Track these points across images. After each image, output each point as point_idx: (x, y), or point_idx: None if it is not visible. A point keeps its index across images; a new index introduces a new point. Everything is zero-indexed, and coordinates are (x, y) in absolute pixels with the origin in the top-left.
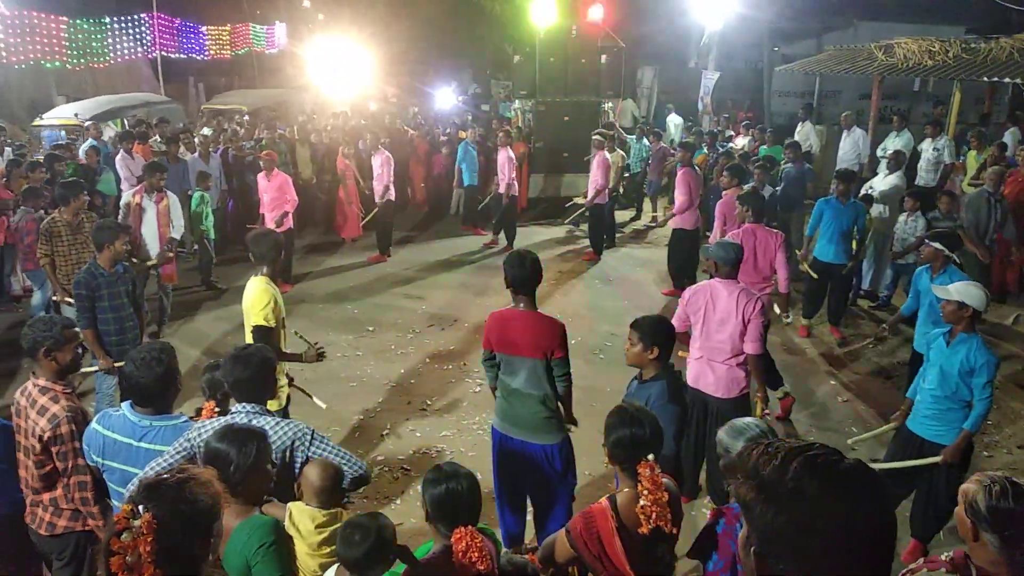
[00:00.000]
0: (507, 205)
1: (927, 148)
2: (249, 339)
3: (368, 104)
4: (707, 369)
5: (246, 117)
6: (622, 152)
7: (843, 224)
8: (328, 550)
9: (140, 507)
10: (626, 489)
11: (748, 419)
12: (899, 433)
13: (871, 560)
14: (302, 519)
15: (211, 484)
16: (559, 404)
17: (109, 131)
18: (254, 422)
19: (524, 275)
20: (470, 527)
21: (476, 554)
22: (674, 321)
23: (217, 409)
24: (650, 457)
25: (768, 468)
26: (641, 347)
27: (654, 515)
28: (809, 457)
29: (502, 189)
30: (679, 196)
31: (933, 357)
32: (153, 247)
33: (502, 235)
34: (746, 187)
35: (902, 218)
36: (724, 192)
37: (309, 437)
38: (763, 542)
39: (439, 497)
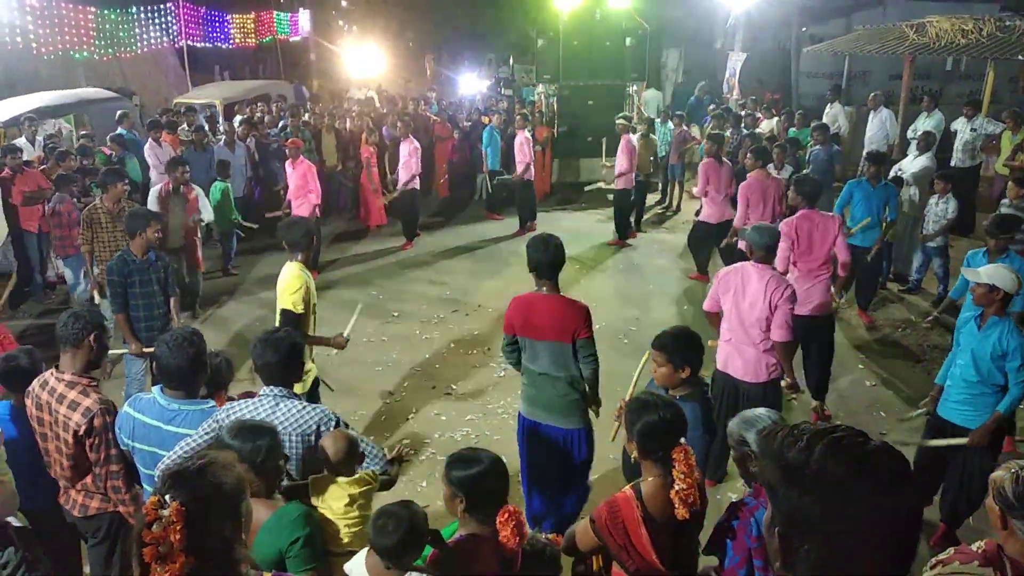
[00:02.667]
0: (523, 187)
1: (963, 129)
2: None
3: (386, 91)
4: (735, 353)
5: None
6: (654, 137)
7: (873, 206)
8: (355, 514)
9: (167, 496)
10: (651, 478)
11: (760, 410)
12: (929, 422)
13: (896, 542)
14: (333, 496)
15: (233, 466)
16: (585, 388)
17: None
18: (280, 405)
19: (547, 259)
20: (514, 508)
21: (516, 536)
22: (706, 303)
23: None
24: (682, 441)
25: (793, 450)
26: (671, 368)
27: (692, 498)
28: (834, 439)
29: (520, 171)
30: (698, 187)
31: (964, 341)
32: (178, 238)
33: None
34: (780, 171)
35: (932, 200)
36: (748, 174)
37: (334, 423)
38: (787, 524)
39: (471, 481)
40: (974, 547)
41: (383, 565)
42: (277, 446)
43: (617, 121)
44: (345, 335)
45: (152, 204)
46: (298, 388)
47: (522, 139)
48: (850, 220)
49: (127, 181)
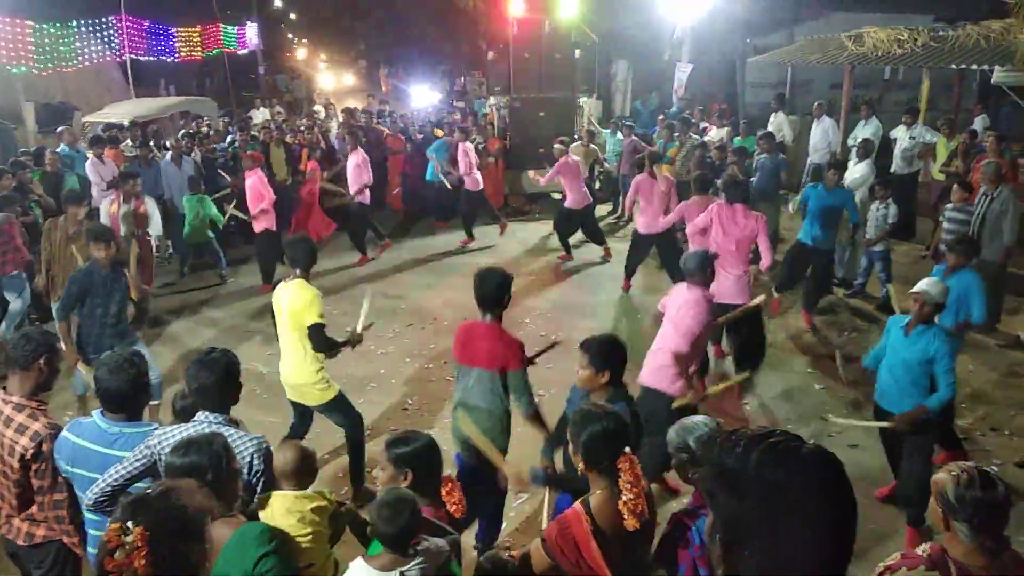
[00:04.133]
0: (467, 198)
1: (903, 136)
2: (294, 341)
3: (354, 107)
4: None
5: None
6: (594, 147)
7: (827, 209)
8: (306, 531)
9: (129, 523)
10: (598, 491)
11: (697, 418)
12: (875, 413)
13: (835, 542)
14: (280, 511)
15: (195, 491)
16: (506, 424)
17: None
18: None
19: (485, 293)
20: (452, 477)
21: (462, 507)
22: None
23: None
24: (626, 450)
25: (731, 457)
26: (592, 371)
27: (640, 508)
28: (770, 444)
29: (466, 183)
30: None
31: (893, 344)
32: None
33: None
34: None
35: (873, 206)
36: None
37: (268, 453)
38: (728, 530)
39: (421, 453)
40: (919, 550)
41: (389, 555)
42: (227, 457)
43: (554, 146)
44: (358, 330)
45: (104, 219)
46: (326, 396)
47: (461, 151)
48: (806, 224)
49: (88, 204)
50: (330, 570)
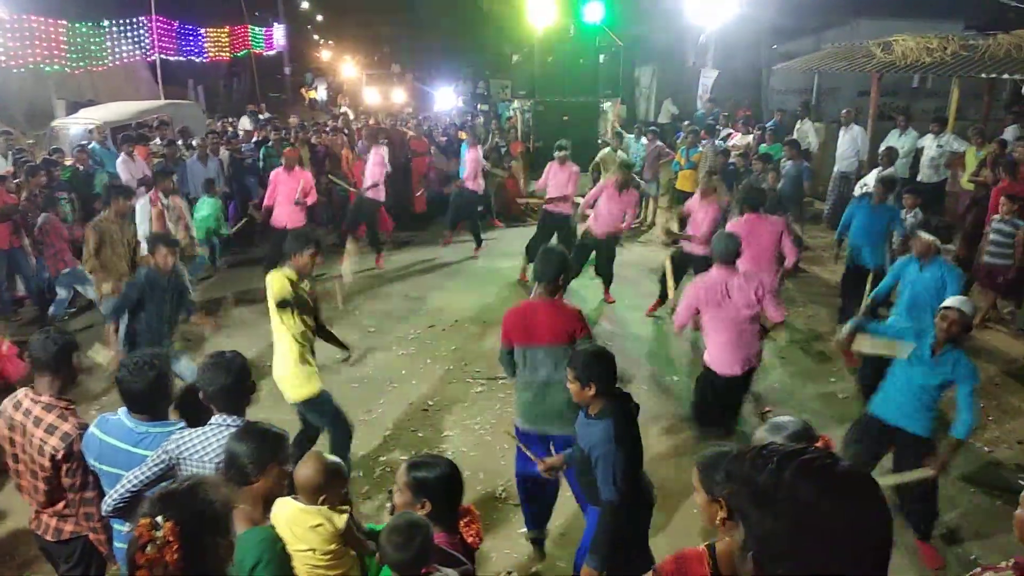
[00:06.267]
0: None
1: (930, 145)
2: (276, 330)
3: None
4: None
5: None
6: (621, 153)
7: (874, 226)
8: (302, 547)
9: (159, 518)
10: (728, 539)
11: (786, 417)
12: (861, 420)
13: (869, 561)
14: (280, 514)
15: (219, 486)
16: None
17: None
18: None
19: (545, 270)
20: (472, 507)
21: (479, 538)
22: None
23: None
24: None
25: (763, 474)
26: (578, 385)
27: None
28: (804, 461)
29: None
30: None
31: (910, 366)
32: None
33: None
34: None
35: (901, 215)
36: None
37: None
38: (760, 548)
39: (442, 482)
40: (1003, 564)
41: None
42: (285, 448)
43: (555, 154)
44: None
45: (141, 217)
46: (301, 392)
47: (473, 155)
48: (851, 243)
49: (132, 197)
50: None
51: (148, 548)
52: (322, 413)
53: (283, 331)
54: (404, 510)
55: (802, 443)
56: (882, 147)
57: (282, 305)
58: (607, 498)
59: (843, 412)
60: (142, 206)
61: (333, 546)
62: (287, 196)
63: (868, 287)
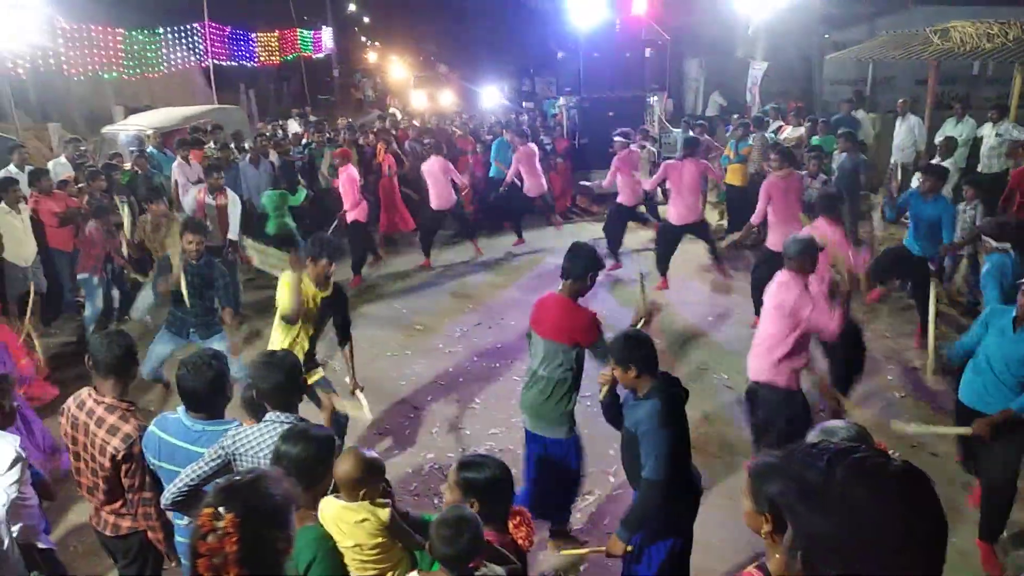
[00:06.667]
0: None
1: (989, 133)
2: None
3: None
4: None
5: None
6: (652, 149)
7: (925, 221)
8: (349, 543)
9: (221, 508)
10: (779, 556)
11: (838, 421)
12: (957, 413)
13: (922, 563)
14: (326, 512)
15: (282, 480)
16: (571, 401)
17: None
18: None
19: (573, 266)
20: (523, 509)
21: (529, 540)
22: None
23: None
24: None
25: (813, 471)
26: (621, 369)
27: None
28: (856, 460)
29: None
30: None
31: (993, 341)
32: (217, 238)
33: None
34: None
35: (960, 207)
36: (771, 174)
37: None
38: (809, 547)
39: (491, 482)
40: None
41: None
42: (327, 455)
43: (615, 139)
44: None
45: (188, 210)
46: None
47: (526, 151)
48: (909, 230)
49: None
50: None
51: (209, 537)
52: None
53: (279, 333)
54: (453, 504)
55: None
56: (938, 136)
57: (289, 321)
58: (647, 476)
59: (899, 411)
60: (190, 198)
61: (379, 540)
62: (344, 192)
63: (932, 293)
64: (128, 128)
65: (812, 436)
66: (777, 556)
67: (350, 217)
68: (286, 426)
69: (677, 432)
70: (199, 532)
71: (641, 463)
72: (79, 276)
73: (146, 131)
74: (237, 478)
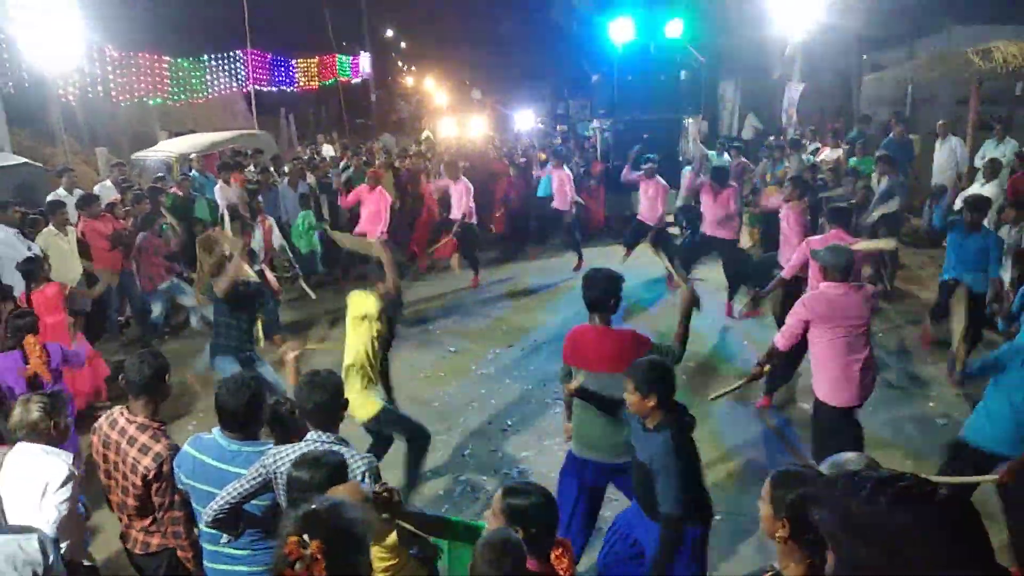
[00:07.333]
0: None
1: None
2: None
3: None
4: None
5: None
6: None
7: (967, 256)
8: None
9: (305, 536)
10: (792, 564)
11: (850, 454)
12: (954, 452)
13: None
14: None
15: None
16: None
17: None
18: None
19: (593, 295)
20: (566, 541)
21: (570, 572)
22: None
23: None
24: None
25: (856, 500)
26: (638, 396)
27: None
28: (901, 488)
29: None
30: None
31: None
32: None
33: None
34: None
35: (1004, 230)
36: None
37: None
38: (853, 574)
39: (536, 510)
40: None
41: None
42: (343, 475)
43: (642, 166)
44: None
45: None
46: (370, 411)
47: (561, 175)
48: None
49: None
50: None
51: (297, 565)
52: (390, 427)
53: (354, 350)
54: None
55: None
56: (979, 158)
57: (381, 312)
58: (667, 511)
59: (940, 439)
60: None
61: (390, 562)
62: (369, 213)
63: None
64: (157, 154)
65: (823, 469)
66: (792, 564)
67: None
68: (327, 446)
69: (688, 461)
70: (285, 560)
71: (658, 499)
72: (159, 287)
73: (173, 156)
74: (315, 506)
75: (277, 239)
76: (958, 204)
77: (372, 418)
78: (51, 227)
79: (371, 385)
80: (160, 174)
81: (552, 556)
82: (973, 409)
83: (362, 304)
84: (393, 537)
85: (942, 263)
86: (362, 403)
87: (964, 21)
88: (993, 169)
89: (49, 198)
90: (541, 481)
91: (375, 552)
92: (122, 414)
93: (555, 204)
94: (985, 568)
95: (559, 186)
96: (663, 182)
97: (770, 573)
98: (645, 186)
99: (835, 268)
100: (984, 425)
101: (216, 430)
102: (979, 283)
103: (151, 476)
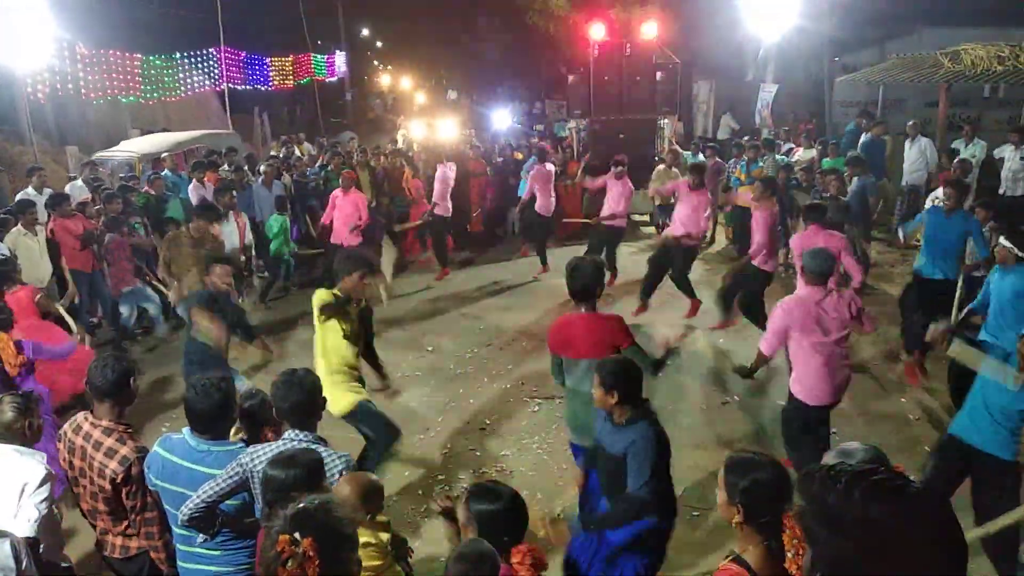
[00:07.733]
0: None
1: (1011, 156)
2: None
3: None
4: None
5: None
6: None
7: (948, 238)
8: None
9: (296, 534)
10: (751, 547)
11: (855, 443)
12: (942, 443)
13: None
14: None
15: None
16: None
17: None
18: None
19: (580, 285)
20: (529, 546)
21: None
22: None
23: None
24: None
25: (832, 494)
26: (602, 391)
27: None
28: (875, 482)
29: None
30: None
31: (999, 390)
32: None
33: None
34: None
35: (979, 226)
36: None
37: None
38: (829, 569)
39: (501, 514)
40: None
41: None
42: (321, 473)
43: (613, 168)
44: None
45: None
46: (346, 404)
47: (545, 173)
48: (921, 251)
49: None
50: None
51: (289, 563)
52: (364, 423)
53: (320, 346)
54: (472, 537)
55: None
56: (949, 159)
57: (323, 310)
58: (636, 491)
59: (914, 435)
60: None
61: (377, 562)
62: (344, 216)
63: (956, 300)
64: (119, 154)
65: (829, 457)
66: (750, 548)
67: (345, 242)
68: (304, 444)
69: (665, 457)
70: (277, 559)
71: (629, 480)
72: (124, 291)
73: (135, 156)
74: (305, 505)
75: (248, 237)
76: (929, 203)
77: (347, 413)
78: (20, 227)
79: (342, 380)
80: (131, 173)
81: (514, 560)
82: (944, 408)
83: (316, 300)
84: (386, 536)
85: (913, 262)
86: (336, 398)
87: (934, 24)
88: (964, 169)
89: (18, 197)
90: (520, 479)
91: (363, 553)
92: (87, 419)
93: (538, 207)
94: (959, 562)
95: (543, 184)
96: (630, 184)
97: (730, 557)
98: (611, 186)
99: (814, 273)
100: (965, 419)
101: (186, 430)
102: (950, 269)
103: (119, 479)
